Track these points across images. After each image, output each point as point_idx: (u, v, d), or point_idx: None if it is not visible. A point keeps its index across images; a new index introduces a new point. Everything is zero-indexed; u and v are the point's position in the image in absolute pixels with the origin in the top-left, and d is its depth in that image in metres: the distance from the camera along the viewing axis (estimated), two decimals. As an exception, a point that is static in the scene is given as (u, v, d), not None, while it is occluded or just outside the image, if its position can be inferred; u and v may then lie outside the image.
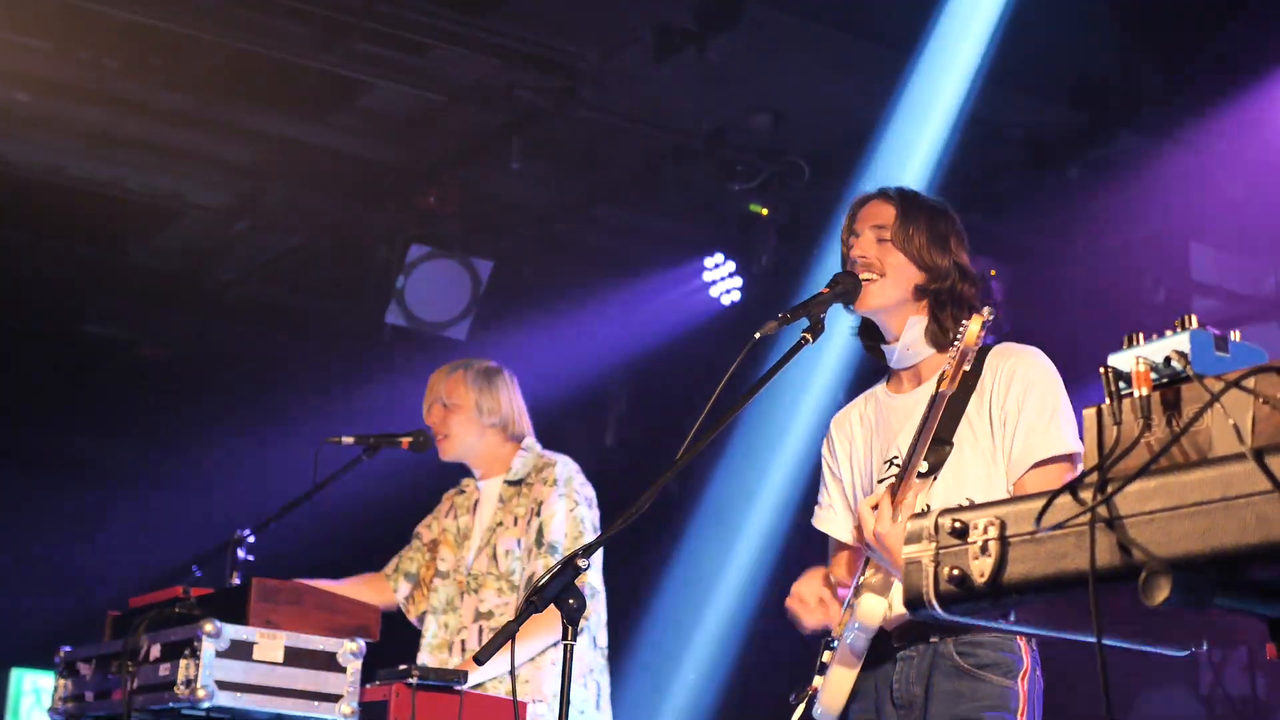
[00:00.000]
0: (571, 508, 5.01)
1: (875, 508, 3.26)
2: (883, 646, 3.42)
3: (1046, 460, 3.35)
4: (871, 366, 3.77)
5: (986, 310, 3.28)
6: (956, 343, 3.25)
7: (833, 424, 3.76)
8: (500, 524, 5.08)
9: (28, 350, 9.70)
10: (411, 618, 5.25)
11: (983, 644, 3.34)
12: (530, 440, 5.23)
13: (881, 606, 3.32)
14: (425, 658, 5.07)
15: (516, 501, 5.09)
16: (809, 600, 3.54)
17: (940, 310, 3.52)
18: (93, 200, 8.06)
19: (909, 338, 3.54)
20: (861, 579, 3.38)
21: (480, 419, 5.19)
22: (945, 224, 3.59)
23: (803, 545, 4.10)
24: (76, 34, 6.81)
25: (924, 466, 3.28)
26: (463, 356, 5.44)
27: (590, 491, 5.12)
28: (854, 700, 3.44)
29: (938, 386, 3.25)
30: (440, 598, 5.14)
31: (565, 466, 5.11)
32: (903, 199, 3.60)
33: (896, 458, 3.48)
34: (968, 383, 3.38)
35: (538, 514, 5.02)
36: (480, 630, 4.99)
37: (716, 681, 9.54)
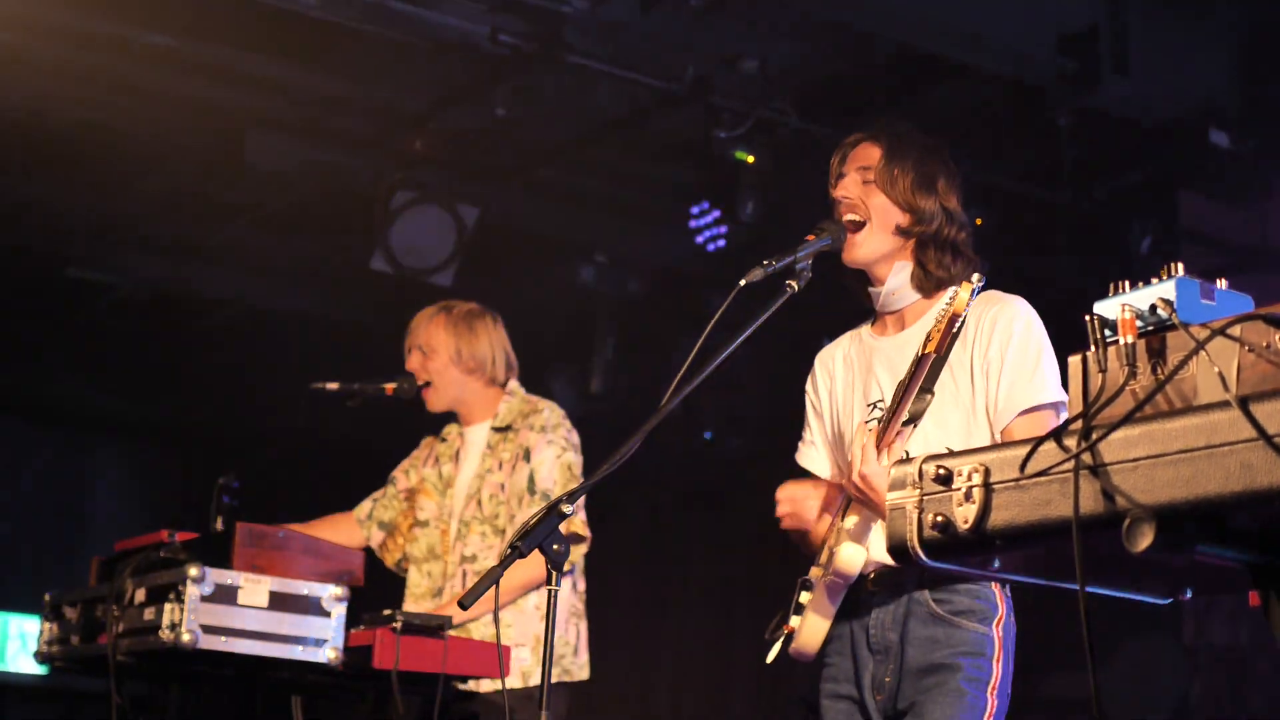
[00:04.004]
0: (560, 453, 4.97)
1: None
2: (859, 592, 3.43)
3: (1031, 409, 3.34)
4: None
5: (976, 277, 3.19)
6: (945, 306, 3.18)
7: (817, 360, 3.74)
8: (489, 470, 5.06)
9: (10, 295, 9.66)
10: (389, 565, 5.25)
11: (958, 590, 3.35)
12: (514, 384, 5.17)
13: (861, 555, 3.33)
14: (411, 607, 5.06)
15: (503, 446, 5.05)
16: (801, 494, 3.55)
17: (924, 254, 3.50)
18: (76, 144, 8.00)
19: (894, 283, 3.52)
20: (841, 524, 3.38)
21: (459, 365, 5.12)
22: (934, 165, 3.53)
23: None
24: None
25: (905, 416, 3.27)
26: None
27: (576, 437, 5.08)
28: (829, 643, 3.46)
29: (923, 348, 3.12)
30: (421, 546, 5.12)
31: (553, 412, 5.07)
32: (890, 139, 3.54)
33: (880, 401, 3.47)
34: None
35: (525, 459, 4.98)
36: (465, 575, 4.98)
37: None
